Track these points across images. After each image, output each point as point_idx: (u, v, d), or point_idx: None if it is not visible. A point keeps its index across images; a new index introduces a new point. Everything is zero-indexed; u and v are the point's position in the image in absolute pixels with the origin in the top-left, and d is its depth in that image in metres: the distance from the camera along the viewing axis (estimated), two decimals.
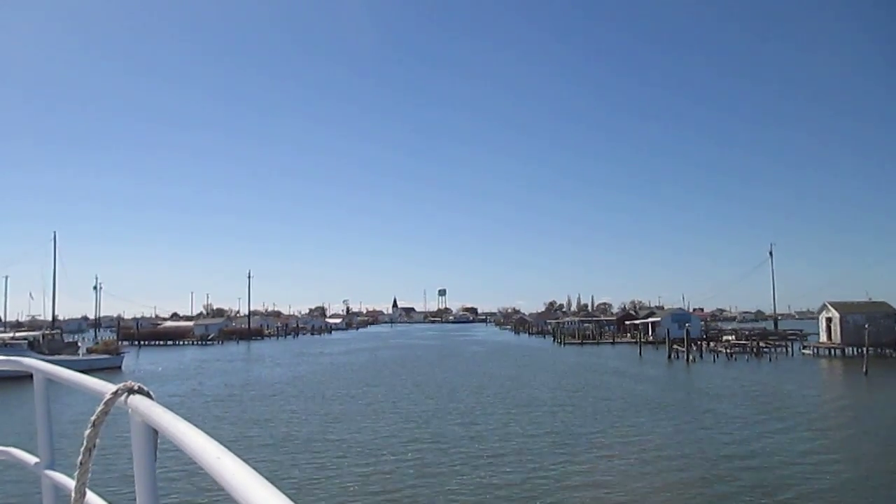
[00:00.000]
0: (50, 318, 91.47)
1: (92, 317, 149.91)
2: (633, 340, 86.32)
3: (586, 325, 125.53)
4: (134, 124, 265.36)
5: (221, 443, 1.21)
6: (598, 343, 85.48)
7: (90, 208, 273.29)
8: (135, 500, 1.52)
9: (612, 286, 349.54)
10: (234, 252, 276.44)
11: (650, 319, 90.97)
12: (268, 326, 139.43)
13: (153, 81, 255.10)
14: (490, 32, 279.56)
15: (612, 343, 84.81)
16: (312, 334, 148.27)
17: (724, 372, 44.99)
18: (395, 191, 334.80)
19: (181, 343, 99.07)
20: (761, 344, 59.64)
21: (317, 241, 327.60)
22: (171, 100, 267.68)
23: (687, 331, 57.62)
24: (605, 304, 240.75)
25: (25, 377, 2.47)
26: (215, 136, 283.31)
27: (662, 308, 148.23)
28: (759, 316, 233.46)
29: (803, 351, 59.41)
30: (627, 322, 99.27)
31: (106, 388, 1.68)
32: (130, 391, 1.60)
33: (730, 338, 77.25)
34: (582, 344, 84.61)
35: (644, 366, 51.00)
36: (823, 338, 58.48)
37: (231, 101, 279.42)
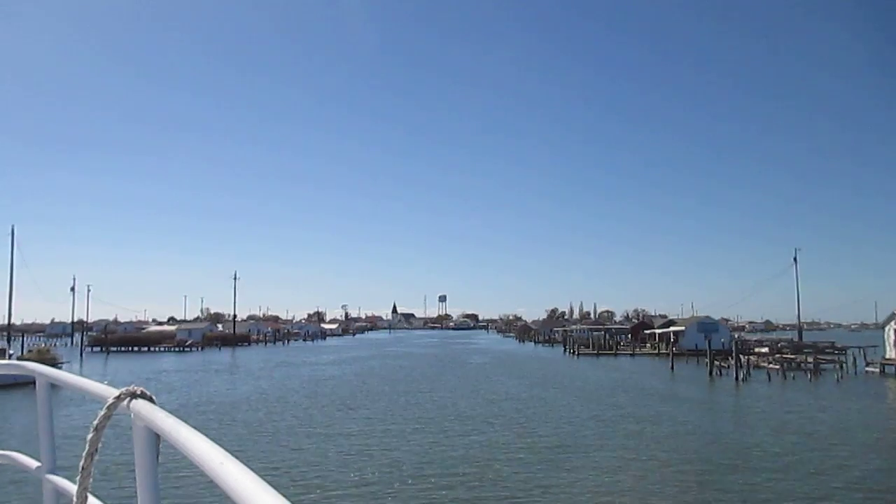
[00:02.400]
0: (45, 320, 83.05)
1: (88, 321, 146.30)
2: (654, 352, 78.03)
3: (596, 333, 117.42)
4: (134, 126, 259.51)
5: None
6: (615, 354, 76.93)
7: (87, 209, 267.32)
8: None
9: (611, 294, 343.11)
10: (232, 256, 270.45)
11: (672, 329, 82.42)
12: (258, 332, 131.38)
13: (151, 83, 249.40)
14: (493, 38, 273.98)
15: (632, 354, 76.28)
16: (305, 340, 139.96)
17: (789, 396, 36.53)
18: (395, 196, 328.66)
19: (158, 349, 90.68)
20: (818, 360, 50.91)
21: (316, 246, 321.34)
22: (171, 103, 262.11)
23: (736, 343, 48.97)
24: (607, 311, 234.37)
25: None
26: (214, 138, 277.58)
27: (666, 316, 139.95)
28: (768, 326, 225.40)
29: (867, 368, 50.83)
30: (647, 331, 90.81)
31: (108, 392, 1.69)
32: (133, 396, 1.60)
33: (763, 350, 68.86)
34: (598, 355, 76.10)
35: (683, 384, 42.55)
36: (891, 353, 50.02)
37: (231, 104, 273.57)
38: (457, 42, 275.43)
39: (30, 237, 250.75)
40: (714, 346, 70.91)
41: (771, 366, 52.98)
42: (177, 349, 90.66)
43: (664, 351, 77.13)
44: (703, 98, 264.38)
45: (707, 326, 77.15)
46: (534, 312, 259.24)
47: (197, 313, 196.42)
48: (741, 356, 55.86)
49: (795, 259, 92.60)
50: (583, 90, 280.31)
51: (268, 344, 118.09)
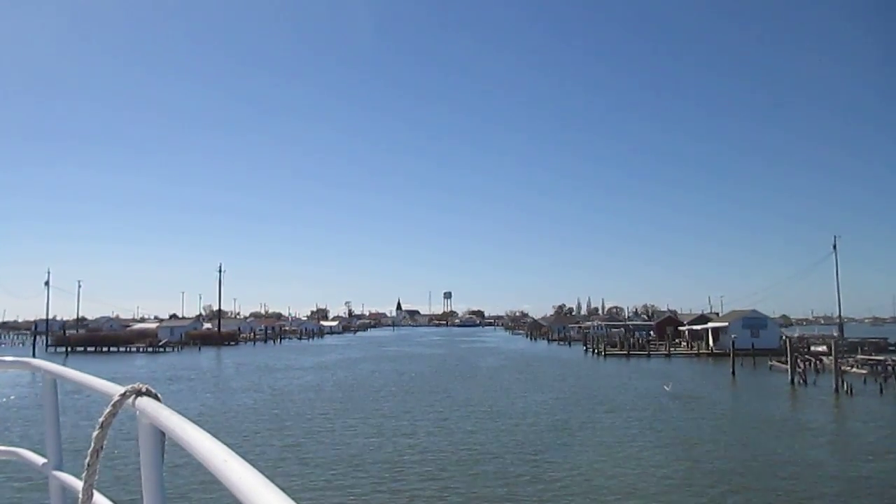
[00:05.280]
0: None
1: (89, 318, 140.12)
2: (693, 351, 67.65)
3: (614, 330, 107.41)
4: (137, 122, 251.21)
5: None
6: (648, 355, 66.51)
7: (89, 206, 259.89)
8: (142, 501, 1.52)
9: (616, 290, 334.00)
10: (235, 253, 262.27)
11: (710, 325, 72.04)
12: (250, 330, 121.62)
13: (153, 78, 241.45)
14: (500, 33, 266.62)
15: (667, 355, 65.84)
16: (300, 339, 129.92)
17: None
18: (400, 192, 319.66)
19: (130, 350, 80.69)
20: None
21: (321, 242, 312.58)
22: (173, 98, 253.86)
23: (833, 345, 37.95)
24: (616, 307, 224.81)
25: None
26: (217, 134, 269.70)
27: (676, 312, 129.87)
28: (785, 321, 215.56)
29: None
30: (679, 328, 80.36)
31: (114, 389, 1.73)
32: (138, 393, 1.63)
33: (820, 348, 58.55)
34: (628, 356, 65.72)
35: (764, 399, 32.23)
36: None
37: (234, 99, 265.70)
38: (460, 37, 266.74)
39: (32, 234, 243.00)
40: (763, 344, 60.84)
41: (855, 370, 42.56)
42: (150, 350, 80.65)
43: (704, 350, 67.07)
44: (707, 94, 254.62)
45: (753, 322, 66.74)
46: (539, 309, 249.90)
47: (198, 310, 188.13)
48: (803, 358, 45.12)
49: (835, 247, 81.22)
50: (587, 86, 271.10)
51: (257, 343, 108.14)
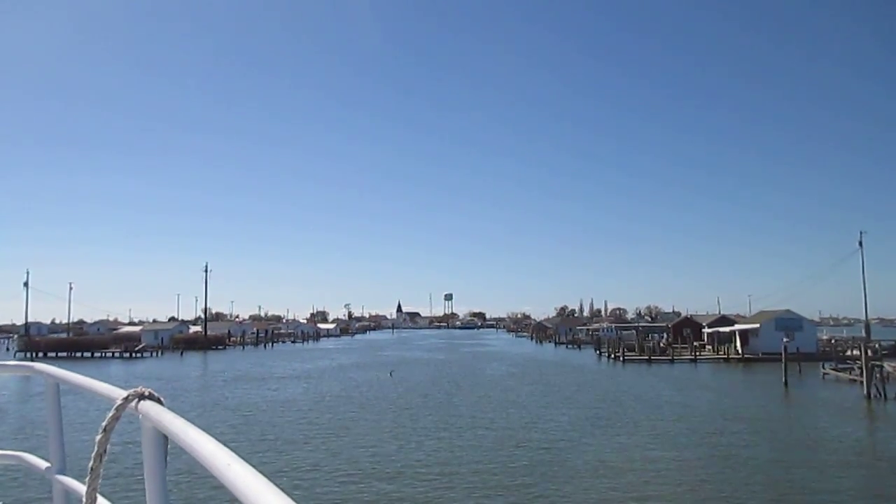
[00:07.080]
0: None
1: (90, 321, 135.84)
2: (722, 356, 61.31)
3: (626, 332, 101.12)
4: (138, 125, 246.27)
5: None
6: (671, 360, 60.08)
7: (84, 210, 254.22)
8: None
9: (616, 291, 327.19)
10: (234, 255, 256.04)
11: (738, 327, 65.69)
12: (242, 333, 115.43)
13: (154, 82, 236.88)
14: (499, 34, 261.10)
15: (693, 360, 59.47)
16: (295, 342, 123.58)
17: None
18: (401, 193, 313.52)
19: (106, 355, 74.43)
20: None
21: (320, 244, 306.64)
22: (174, 101, 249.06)
23: None
24: (619, 308, 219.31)
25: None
26: (217, 137, 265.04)
27: (679, 314, 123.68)
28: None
29: None
30: (702, 329, 73.88)
31: (117, 393, 1.72)
32: (141, 397, 1.63)
33: (855, 352, 52.35)
34: (649, 361, 59.33)
35: (852, 420, 25.92)
36: None
37: (234, 102, 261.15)
38: (462, 38, 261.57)
39: (34, 237, 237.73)
40: (801, 348, 54.36)
41: None
42: (127, 355, 74.30)
43: (733, 355, 60.75)
44: (706, 92, 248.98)
45: (788, 323, 60.38)
46: (541, 310, 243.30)
47: (195, 313, 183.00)
48: (840, 363, 38.53)
49: (861, 243, 74.52)
50: (593, 84, 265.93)
51: (248, 347, 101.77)
